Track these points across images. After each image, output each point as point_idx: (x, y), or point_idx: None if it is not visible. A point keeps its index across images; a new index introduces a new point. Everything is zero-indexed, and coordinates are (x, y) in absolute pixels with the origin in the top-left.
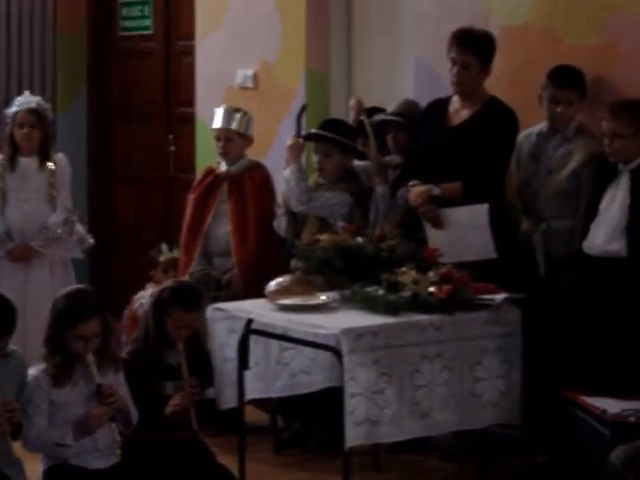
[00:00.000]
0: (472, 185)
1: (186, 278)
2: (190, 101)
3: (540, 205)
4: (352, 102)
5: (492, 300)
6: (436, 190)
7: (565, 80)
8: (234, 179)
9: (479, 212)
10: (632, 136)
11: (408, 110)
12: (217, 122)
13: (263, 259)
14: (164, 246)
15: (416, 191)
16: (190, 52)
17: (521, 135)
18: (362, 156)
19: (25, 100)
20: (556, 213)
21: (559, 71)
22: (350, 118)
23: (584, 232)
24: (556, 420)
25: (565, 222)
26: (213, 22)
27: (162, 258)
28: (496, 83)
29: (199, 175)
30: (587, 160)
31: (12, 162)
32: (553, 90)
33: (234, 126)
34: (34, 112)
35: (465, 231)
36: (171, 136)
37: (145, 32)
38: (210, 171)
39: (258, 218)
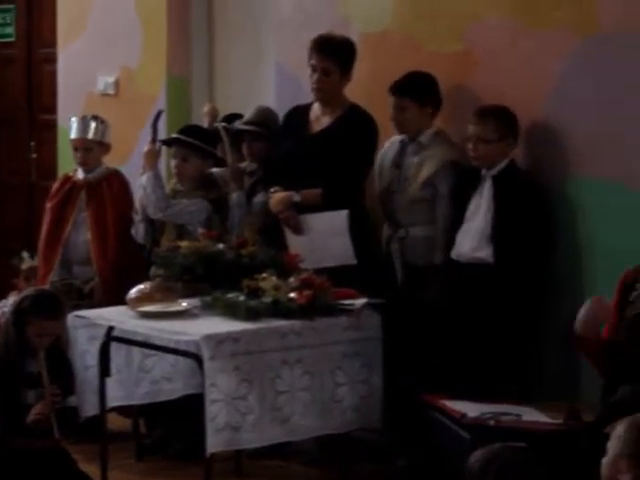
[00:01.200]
0: (332, 192)
1: (47, 287)
2: (52, 108)
3: (397, 212)
4: (206, 109)
5: (352, 305)
6: (296, 196)
7: (400, 89)
8: (92, 187)
9: (339, 218)
10: (497, 142)
11: (262, 118)
12: (73, 132)
13: (124, 267)
14: (25, 254)
15: (277, 197)
16: (52, 59)
17: (387, 142)
18: (222, 163)
19: None
20: (412, 221)
21: (397, 81)
22: (205, 125)
23: (448, 241)
24: (416, 424)
25: (420, 230)
26: (74, 29)
27: (23, 266)
28: (357, 90)
29: (56, 183)
30: (440, 168)
31: None
32: (392, 99)
33: (90, 135)
34: None
35: (325, 237)
36: (33, 143)
37: (7, 39)
38: (67, 179)
39: (117, 226)
